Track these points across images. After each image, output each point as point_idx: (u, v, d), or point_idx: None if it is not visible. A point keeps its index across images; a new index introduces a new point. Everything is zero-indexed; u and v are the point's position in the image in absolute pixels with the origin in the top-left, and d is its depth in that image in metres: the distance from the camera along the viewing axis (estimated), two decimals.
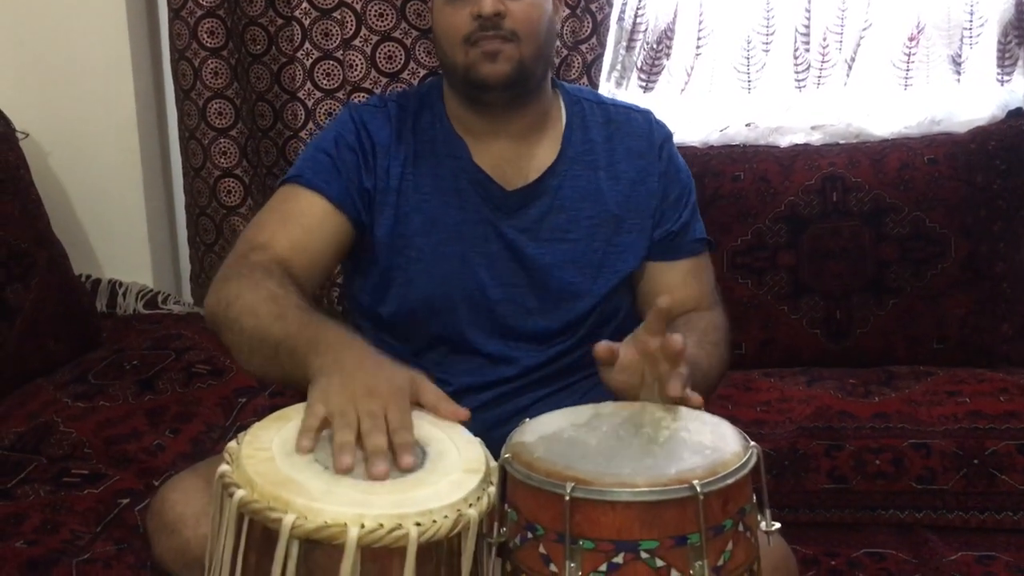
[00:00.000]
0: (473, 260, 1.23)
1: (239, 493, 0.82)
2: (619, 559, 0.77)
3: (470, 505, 0.83)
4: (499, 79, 1.17)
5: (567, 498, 0.77)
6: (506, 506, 0.84)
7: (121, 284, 2.00)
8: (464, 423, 0.96)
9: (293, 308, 1.05)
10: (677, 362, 0.95)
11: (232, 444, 0.89)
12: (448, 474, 0.87)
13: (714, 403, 1.59)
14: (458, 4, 1.17)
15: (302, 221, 1.19)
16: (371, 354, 0.99)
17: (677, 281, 1.27)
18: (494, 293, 1.23)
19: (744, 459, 0.82)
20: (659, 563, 0.77)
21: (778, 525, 0.85)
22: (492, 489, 0.86)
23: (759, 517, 0.85)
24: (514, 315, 1.24)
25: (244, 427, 0.92)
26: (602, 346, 0.99)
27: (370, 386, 0.91)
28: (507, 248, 1.24)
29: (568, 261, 1.24)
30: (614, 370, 1.00)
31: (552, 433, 0.88)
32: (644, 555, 0.77)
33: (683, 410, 0.93)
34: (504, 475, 0.84)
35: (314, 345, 0.98)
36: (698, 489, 0.77)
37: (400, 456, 0.86)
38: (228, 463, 0.87)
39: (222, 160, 1.93)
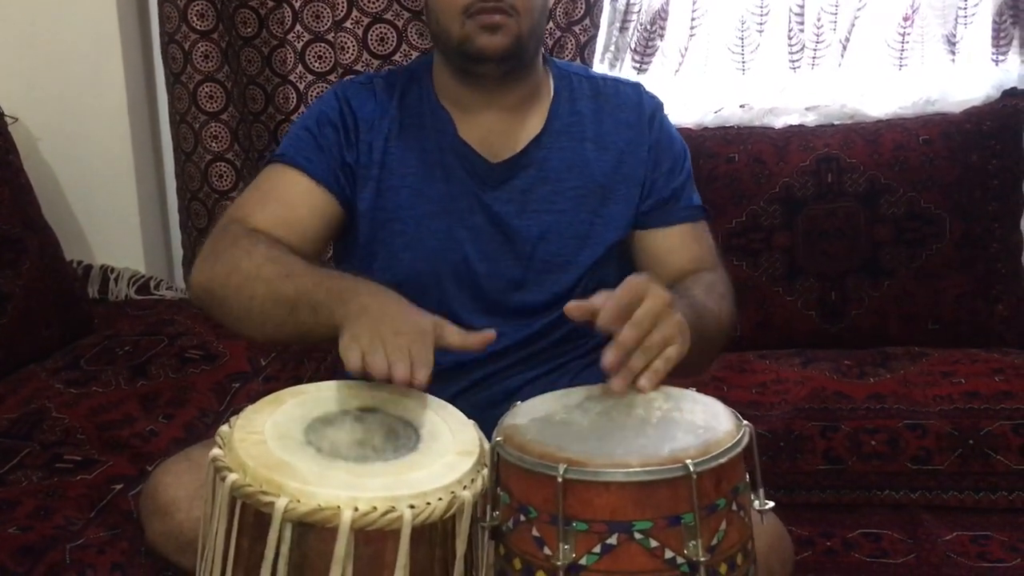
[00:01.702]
0: (458, 234, 1.23)
1: (231, 477, 0.81)
2: (613, 540, 0.76)
3: (464, 487, 0.83)
4: (497, 51, 1.17)
5: (560, 479, 0.77)
6: (498, 489, 0.84)
7: (113, 270, 1.99)
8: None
9: (297, 265, 1.08)
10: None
11: (224, 428, 0.89)
12: (442, 456, 0.86)
13: (709, 385, 1.61)
14: None
15: (283, 197, 1.20)
16: (394, 298, 1.03)
17: (674, 246, 1.26)
18: (479, 267, 1.23)
19: (737, 438, 0.82)
20: (653, 543, 0.76)
21: (771, 504, 0.85)
22: (486, 471, 0.86)
23: (752, 496, 0.85)
24: (500, 289, 1.23)
25: (237, 412, 0.91)
26: (573, 305, 0.96)
27: (397, 326, 0.96)
28: (492, 221, 1.23)
29: (553, 232, 1.23)
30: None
31: (544, 415, 0.88)
32: (638, 536, 0.76)
33: (676, 390, 0.92)
34: (496, 458, 0.84)
35: (337, 295, 1.01)
36: (691, 468, 0.77)
37: (416, 371, 0.91)
38: (220, 447, 0.86)
39: (213, 144, 1.92)
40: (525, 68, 1.23)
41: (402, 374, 0.90)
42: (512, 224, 1.23)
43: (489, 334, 1.00)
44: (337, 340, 0.98)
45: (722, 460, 0.79)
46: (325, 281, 1.04)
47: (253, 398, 0.94)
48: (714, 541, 0.78)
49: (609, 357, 0.91)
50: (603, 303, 0.93)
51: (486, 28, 1.16)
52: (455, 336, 0.99)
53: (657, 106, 1.31)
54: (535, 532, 0.79)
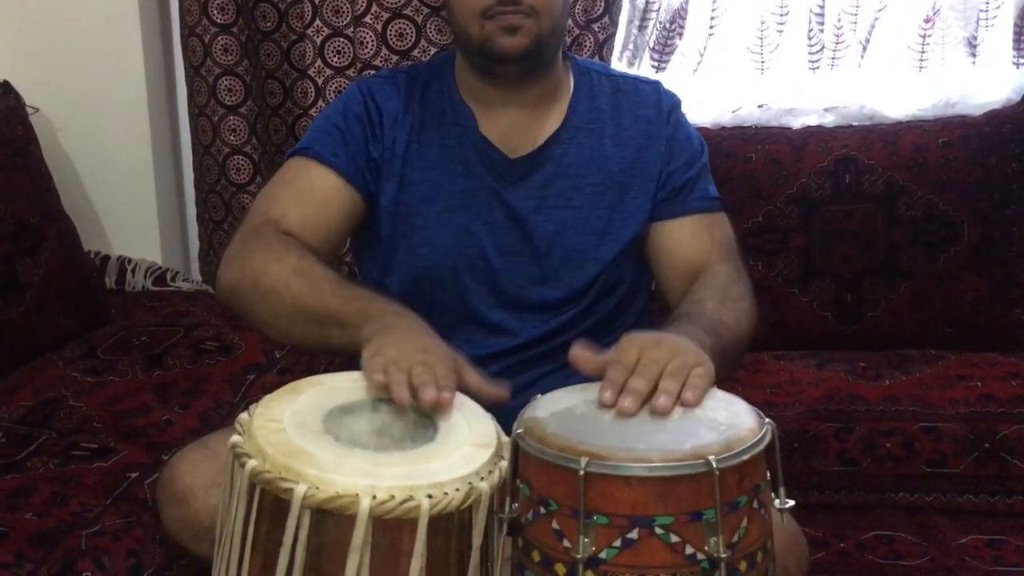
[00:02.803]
0: (477, 229, 1.23)
1: (251, 463, 0.82)
2: (633, 535, 0.76)
3: (481, 478, 0.83)
4: (517, 52, 1.17)
5: (581, 473, 0.77)
6: (518, 481, 0.84)
7: (130, 261, 1.99)
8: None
9: (328, 282, 1.10)
10: None
11: (244, 415, 0.89)
12: (459, 447, 0.86)
13: (723, 384, 1.60)
14: None
15: (314, 196, 1.21)
16: (421, 323, 1.05)
17: (685, 236, 1.24)
18: (497, 262, 1.23)
19: (759, 435, 0.82)
20: (674, 539, 0.76)
21: (792, 502, 0.85)
22: (503, 463, 0.86)
23: (773, 494, 0.84)
24: (517, 284, 1.23)
25: (252, 403, 0.92)
26: (580, 354, 0.95)
27: (423, 346, 0.98)
28: (510, 216, 1.23)
29: (571, 228, 1.23)
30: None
31: (565, 409, 0.88)
32: (659, 531, 0.76)
33: None
34: (516, 451, 0.84)
35: (365, 315, 1.04)
36: (714, 465, 0.76)
37: (442, 392, 0.91)
38: (240, 434, 0.86)
39: (231, 137, 1.93)
40: (546, 66, 1.23)
41: (430, 395, 0.89)
42: (530, 220, 1.23)
43: (504, 392, 0.98)
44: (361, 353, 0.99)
45: (745, 457, 0.79)
46: (354, 301, 1.07)
47: (268, 390, 0.95)
48: (735, 538, 0.78)
49: (607, 398, 0.88)
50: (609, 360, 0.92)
51: (505, 29, 1.16)
52: (473, 377, 0.98)
53: (675, 103, 1.31)
54: (555, 525, 0.79)
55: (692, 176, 1.26)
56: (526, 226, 1.24)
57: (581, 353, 0.95)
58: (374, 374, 0.93)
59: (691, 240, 1.24)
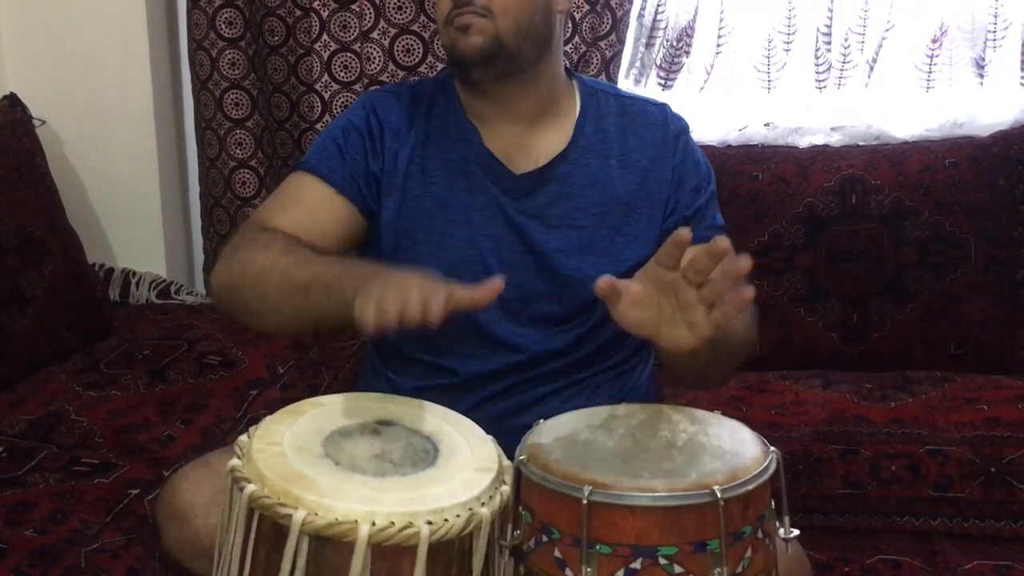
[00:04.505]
0: (481, 243, 1.23)
1: (249, 488, 0.81)
2: (637, 564, 0.76)
3: (482, 504, 0.82)
4: (473, 52, 1.17)
5: (585, 502, 0.76)
6: (520, 508, 0.83)
7: (134, 274, 1.99)
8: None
9: (310, 254, 1.11)
10: (729, 277, 0.92)
11: (243, 438, 0.89)
12: (460, 472, 0.86)
13: (728, 405, 1.59)
14: None
15: (304, 203, 1.22)
16: (402, 270, 1.03)
17: None
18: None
19: (764, 464, 0.81)
20: (677, 569, 0.76)
21: (796, 532, 0.84)
22: (505, 488, 0.85)
23: (777, 523, 0.84)
24: (521, 299, 1.23)
25: (255, 419, 0.91)
26: (604, 281, 0.95)
27: (408, 275, 0.97)
28: (515, 232, 1.23)
29: (575, 248, 1.23)
30: (625, 305, 0.96)
31: (568, 435, 0.87)
32: (663, 561, 0.75)
33: (701, 413, 0.92)
34: (519, 477, 0.83)
35: (346, 275, 1.03)
36: (718, 495, 0.76)
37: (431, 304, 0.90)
38: (239, 457, 0.86)
39: (237, 151, 1.93)
40: (527, 74, 1.22)
41: (413, 312, 0.88)
42: (533, 237, 1.23)
43: (496, 285, 0.96)
44: (352, 325, 0.97)
45: (749, 487, 0.78)
46: (337, 264, 1.08)
47: (270, 405, 0.94)
48: (739, 569, 0.77)
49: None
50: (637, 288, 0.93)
51: (460, 30, 1.17)
52: (464, 291, 0.96)
53: (683, 128, 1.30)
54: (557, 553, 0.78)
55: (702, 205, 1.27)
56: (530, 242, 1.23)
57: (605, 280, 0.95)
58: (366, 314, 0.91)
59: None
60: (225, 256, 1.17)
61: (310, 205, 1.21)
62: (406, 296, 0.90)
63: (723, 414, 0.93)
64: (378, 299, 0.92)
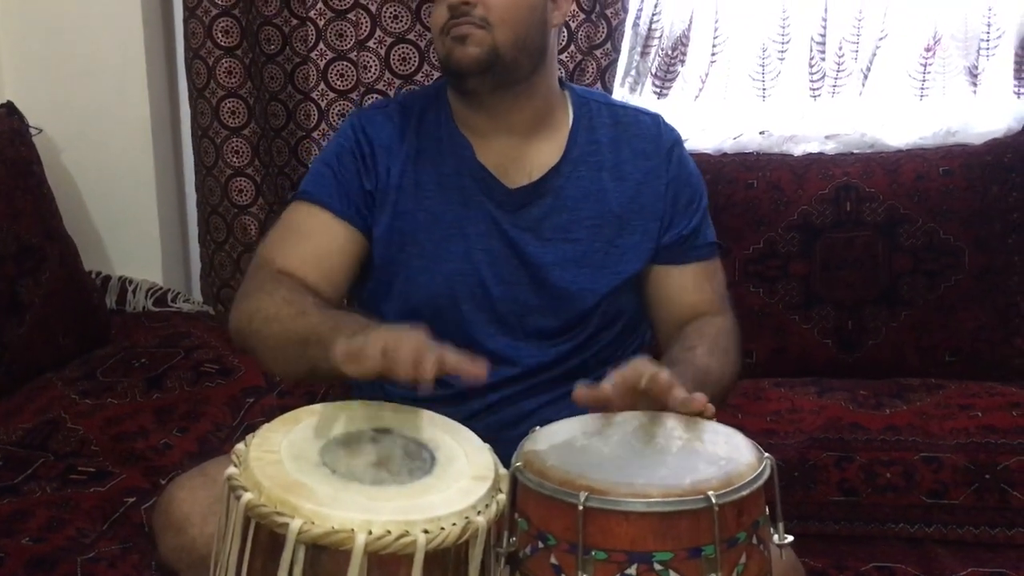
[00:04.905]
0: (475, 256, 1.23)
1: (246, 496, 0.82)
2: (632, 570, 0.76)
3: (478, 512, 0.83)
4: (470, 63, 1.17)
5: (580, 508, 0.76)
6: (516, 515, 0.83)
7: (131, 281, 2.00)
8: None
9: (310, 305, 1.12)
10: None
11: (240, 446, 0.89)
12: (457, 480, 0.86)
13: (724, 412, 1.58)
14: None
15: (310, 235, 1.23)
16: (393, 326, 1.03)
17: (688, 285, 1.26)
18: (495, 290, 1.23)
19: (759, 470, 0.82)
20: (672, 575, 0.76)
21: (791, 538, 0.84)
22: (501, 496, 0.85)
23: (772, 530, 0.84)
24: (516, 312, 1.24)
25: (252, 427, 0.92)
26: (582, 393, 0.95)
27: (399, 331, 0.96)
28: (508, 245, 1.24)
29: (569, 260, 1.24)
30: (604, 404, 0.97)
31: (564, 441, 0.88)
32: (657, 566, 0.76)
33: (696, 420, 0.92)
34: (514, 483, 0.83)
35: (339, 329, 1.03)
36: (713, 500, 0.76)
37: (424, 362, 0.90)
38: (236, 465, 0.86)
39: (234, 159, 1.93)
40: (521, 86, 1.22)
41: (405, 371, 0.89)
42: (528, 250, 1.24)
43: (482, 367, 0.96)
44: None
45: (744, 493, 0.78)
46: (332, 317, 1.08)
47: (267, 413, 0.95)
48: (734, 574, 0.77)
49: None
50: (610, 387, 0.93)
51: (456, 40, 1.18)
52: (453, 356, 0.95)
53: (676, 140, 1.31)
54: (553, 560, 0.79)
55: (697, 223, 1.28)
56: (524, 255, 1.24)
57: (582, 391, 0.95)
58: (348, 350, 0.92)
59: (694, 288, 1.26)
60: (239, 297, 1.19)
61: (315, 238, 1.22)
62: (396, 356, 0.90)
63: (719, 420, 0.93)
64: (360, 350, 0.92)
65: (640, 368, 0.95)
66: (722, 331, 1.22)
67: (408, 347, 0.91)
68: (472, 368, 0.94)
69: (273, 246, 1.24)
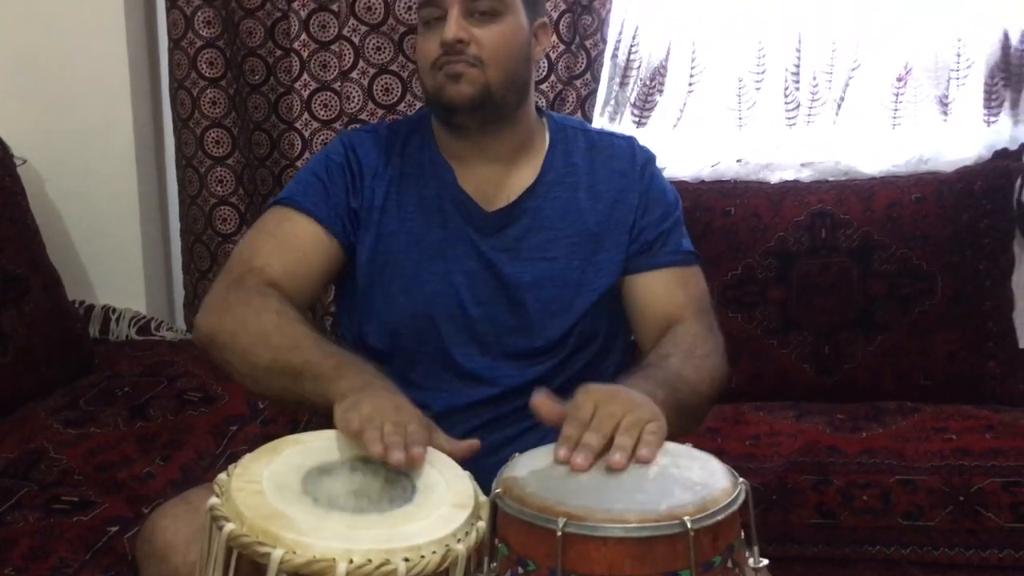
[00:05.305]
0: (455, 278, 1.25)
1: (228, 526, 0.82)
2: None
3: (458, 540, 0.84)
4: (463, 100, 1.20)
5: (559, 533, 0.78)
6: (496, 541, 0.85)
7: (114, 310, 2.00)
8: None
9: (305, 337, 1.11)
10: None
11: (222, 476, 0.89)
12: (437, 508, 0.87)
13: (704, 436, 1.61)
14: (430, 32, 1.22)
15: (296, 245, 1.23)
16: (393, 387, 1.06)
17: (659, 291, 1.27)
18: (474, 311, 1.25)
19: (733, 495, 0.83)
20: None
21: (766, 562, 0.86)
22: (481, 524, 0.86)
23: (747, 553, 0.86)
24: (494, 333, 1.25)
25: (235, 455, 0.92)
26: (539, 400, 0.99)
27: (396, 404, 1.00)
28: (487, 267, 1.25)
29: (546, 280, 1.25)
30: None
31: (543, 468, 0.89)
32: None
33: (672, 446, 0.94)
34: (495, 510, 0.85)
35: (340, 371, 1.05)
36: (688, 525, 0.78)
37: (411, 448, 0.92)
38: (218, 495, 0.87)
39: (218, 188, 1.95)
40: (507, 119, 1.25)
41: (397, 457, 0.91)
42: (506, 271, 1.25)
43: (474, 443, 1.02)
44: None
45: (719, 517, 0.80)
46: (331, 356, 1.08)
47: (250, 441, 0.96)
48: None
49: (562, 455, 0.91)
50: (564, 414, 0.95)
51: (451, 77, 1.19)
52: (443, 440, 1.01)
53: (649, 158, 1.33)
54: None
55: (666, 229, 1.29)
56: (503, 276, 1.26)
57: (541, 401, 0.98)
58: (350, 424, 0.95)
59: (665, 293, 1.26)
60: (215, 303, 1.17)
61: (297, 243, 1.22)
62: (389, 441, 0.92)
63: (699, 444, 0.95)
64: (363, 424, 0.94)
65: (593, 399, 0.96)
66: (698, 336, 1.22)
67: (399, 433, 0.94)
68: (462, 450, 1.00)
69: (254, 251, 1.23)
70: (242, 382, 1.16)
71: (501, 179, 1.27)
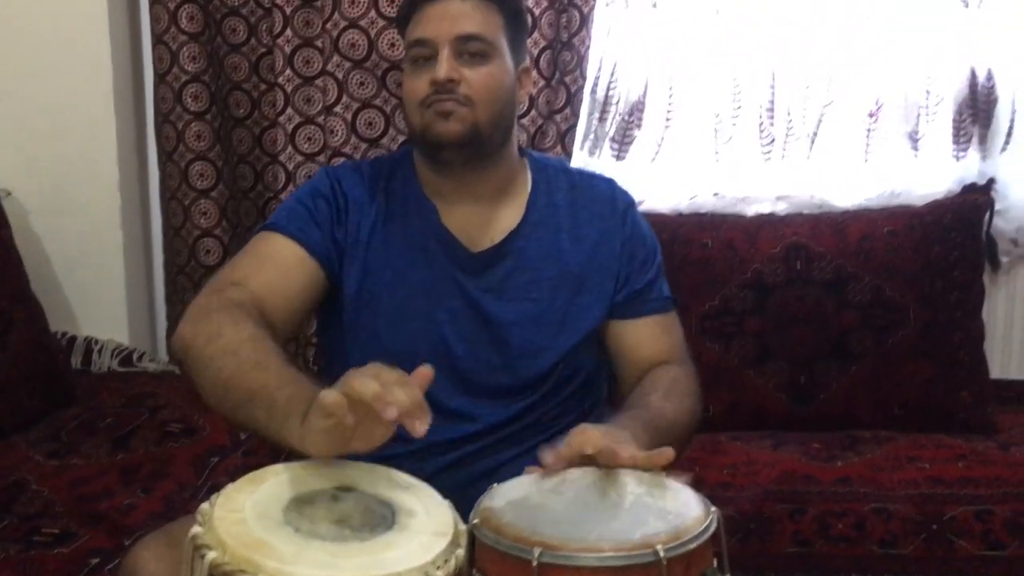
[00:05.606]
0: (438, 316, 1.27)
1: (210, 555, 0.83)
2: None
3: (437, 568, 0.85)
4: (452, 138, 1.22)
5: (535, 563, 0.79)
6: (475, 571, 0.86)
7: (96, 341, 2.00)
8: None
9: (273, 357, 1.05)
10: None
11: (204, 506, 0.90)
12: (417, 536, 0.88)
13: (682, 465, 1.62)
14: (419, 71, 1.24)
15: (277, 263, 1.24)
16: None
17: (644, 338, 1.31)
18: (458, 348, 1.27)
19: (705, 524, 0.85)
20: None
21: None
22: (460, 552, 0.88)
23: None
24: (477, 371, 1.27)
25: (216, 487, 0.93)
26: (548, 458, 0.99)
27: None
28: (470, 306, 1.28)
29: (530, 319, 1.28)
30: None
31: (520, 498, 0.91)
32: None
33: (647, 476, 0.96)
34: (472, 540, 0.86)
35: (295, 405, 0.96)
36: (661, 554, 0.79)
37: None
38: (200, 524, 0.88)
39: (202, 220, 1.96)
40: (491, 158, 1.28)
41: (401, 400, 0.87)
42: (490, 310, 1.28)
43: (427, 371, 0.94)
44: (280, 448, 0.96)
45: (691, 546, 0.82)
46: (290, 385, 0.99)
47: (232, 472, 0.96)
48: None
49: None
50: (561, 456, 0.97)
51: (440, 115, 1.22)
52: (402, 396, 0.91)
53: (630, 202, 1.37)
54: None
55: (651, 278, 1.33)
56: (486, 315, 1.28)
57: (545, 457, 0.99)
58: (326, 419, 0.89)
59: (650, 340, 1.31)
60: (195, 313, 1.15)
61: (281, 265, 1.23)
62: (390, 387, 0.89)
63: (677, 472, 0.97)
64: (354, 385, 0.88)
65: (588, 438, 0.98)
66: (678, 378, 1.27)
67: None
68: (416, 425, 0.91)
69: (238, 269, 1.22)
70: (205, 398, 1.10)
71: (485, 219, 1.30)
